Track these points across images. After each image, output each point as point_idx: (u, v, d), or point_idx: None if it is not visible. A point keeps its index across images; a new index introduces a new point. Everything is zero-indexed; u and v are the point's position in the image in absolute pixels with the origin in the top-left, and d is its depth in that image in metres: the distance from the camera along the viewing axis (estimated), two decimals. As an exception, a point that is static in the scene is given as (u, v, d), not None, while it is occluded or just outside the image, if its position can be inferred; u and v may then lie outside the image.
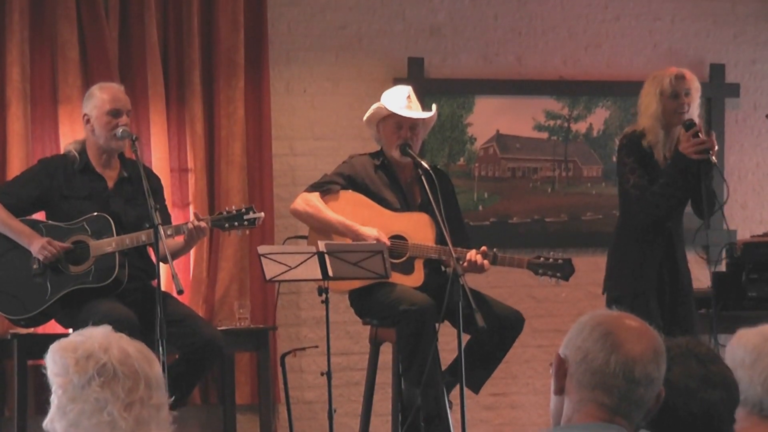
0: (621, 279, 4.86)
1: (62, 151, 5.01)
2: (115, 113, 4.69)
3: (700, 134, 4.67)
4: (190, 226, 4.63)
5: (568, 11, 6.34)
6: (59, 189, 4.75)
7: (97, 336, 2.05)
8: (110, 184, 4.78)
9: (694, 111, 4.77)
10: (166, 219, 4.79)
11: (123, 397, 1.98)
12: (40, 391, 5.21)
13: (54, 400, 2.02)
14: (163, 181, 5.06)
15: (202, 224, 4.65)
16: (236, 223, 4.72)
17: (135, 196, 4.66)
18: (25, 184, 4.79)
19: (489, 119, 6.23)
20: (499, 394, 6.16)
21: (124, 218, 4.71)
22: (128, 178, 4.75)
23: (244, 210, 4.73)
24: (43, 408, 2.06)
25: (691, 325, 4.82)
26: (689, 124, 4.70)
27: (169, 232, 4.62)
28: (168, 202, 5.16)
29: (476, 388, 4.86)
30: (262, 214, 4.78)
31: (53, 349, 2.04)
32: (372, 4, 6.06)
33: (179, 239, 4.73)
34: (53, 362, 2.03)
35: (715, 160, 4.74)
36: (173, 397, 2.12)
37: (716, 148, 4.73)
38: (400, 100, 4.82)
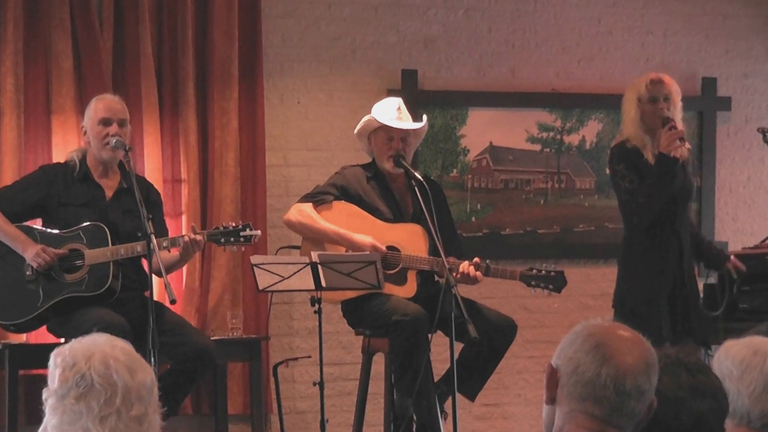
0: (635, 287, 4.87)
1: (59, 160, 5.04)
2: (105, 122, 4.70)
3: (674, 128, 4.76)
4: (186, 239, 4.64)
5: (562, 24, 6.37)
6: (57, 196, 4.76)
7: (87, 344, 2.04)
8: (109, 194, 4.79)
9: (677, 115, 4.83)
10: (163, 232, 4.80)
11: (97, 410, 1.97)
12: (31, 401, 5.20)
13: (45, 408, 2.03)
14: (155, 192, 5.08)
15: (198, 238, 4.66)
16: (232, 239, 4.73)
17: (133, 208, 4.65)
18: (24, 190, 4.80)
19: (482, 131, 6.24)
20: (492, 405, 6.17)
21: (120, 228, 4.72)
22: (127, 189, 4.75)
23: (241, 227, 4.75)
24: (34, 418, 2.07)
25: (704, 331, 4.87)
26: (665, 120, 4.77)
27: (165, 244, 4.64)
28: (161, 213, 5.16)
29: (472, 396, 4.87)
30: (259, 232, 4.78)
31: (53, 354, 2.04)
32: (366, 16, 6.09)
33: (175, 252, 4.74)
34: (51, 368, 2.04)
35: (689, 146, 4.83)
36: (164, 407, 2.10)
37: (684, 133, 4.80)
38: (390, 111, 4.84)
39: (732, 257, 5.21)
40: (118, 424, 1.97)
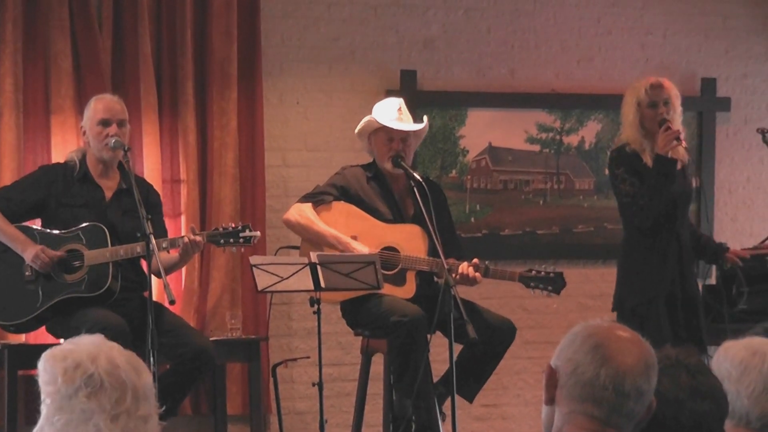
0: (634, 289, 4.87)
1: (59, 160, 5.04)
2: (104, 123, 4.71)
3: (670, 128, 4.76)
4: (185, 240, 4.65)
5: (561, 25, 6.37)
6: (57, 196, 4.76)
7: (87, 345, 2.04)
8: (108, 194, 4.79)
9: (677, 119, 4.83)
10: (162, 233, 4.81)
11: (109, 408, 1.97)
12: (31, 401, 5.20)
13: (43, 409, 2.02)
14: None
15: (198, 239, 4.66)
16: (231, 240, 4.74)
17: (132, 208, 4.65)
18: (24, 190, 4.80)
19: (481, 132, 6.24)
20: (491, 406, 6.17)
21: (120, 229, 4.72)
22: (127, 189, 4.75)
23: (240, 228, 4.75)
24: (33, 418, 2.06)
25: (701, 332, 4.87)
26: (661, 121, 4.77)
27: (164, 245, 4.65)
28: (160, 213, 5.16)
29: (470, 397, 4.87)
30: (258, 233, 4.79)
31: (44, 357, 2.04)
32: (365, 16, 6.08)
33: (174, 253, 4.74)
34: (44, 371, 2.03)
35: (685, 144, 4.84)
36: (163, 408, 2.11)
37: (682, 134, 4.80)
38: (390, 112, 4.84)
39: (731, 248, 5.24)
40: (128, 423, 1.98)
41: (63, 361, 2.00)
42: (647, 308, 4.79)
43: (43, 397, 2.02)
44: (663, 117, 4.79)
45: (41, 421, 2.02)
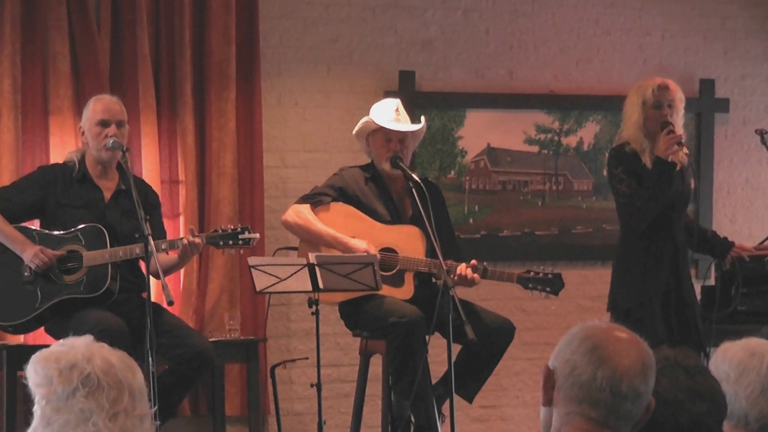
0: (629, 290, 4.88)
1: (57, 161, 5.04)
2: (103, 123, 4.71)
3: (673, 132, 4.75)
4: (185, 241, 4.65)
5: (560, 26, 6.37)
6: (56, 197, 4.76)
7: (80, 346, 2.04)
8: (107, 195, 4.79)
9: (679, 122, 4.83)
10: (161, 234, 4.80)
11: (107, 407, 1.98)
12: (30, 402, 5.19)
13: (37, 410, 2.02)
14: (153, 193, 5.08)
15: (197, 240, 4.66)
16: (231, 242, 4.74)
17: (131, 209, 4.64)
18: (22, 190, 4.80)
19: (480, 133, 6.24)
20: (489, 407, 6.17)
21: (119, 230, 4.72)
22: (126, 190, 4.75)
23: (239, 230, 4.75)
24: (31, 419, 2.06)
25: (698, 334, 4.87)
26: (664, 123, 4.77)
27: (163, 246, 4.65)
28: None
29: (470, 398, 4.87)
30: (257, 235, 4.79)
31: (35, 359, 2.04)
32: (364, 17, 6.09)
33: (173, 254, 4.74)
34: (35, 373, 2.03)
35: (687, 151, 4.83)
36: (156, 407, 2.11)
37: (684, 138, 4.80)
38: (388, 113, 4.84)
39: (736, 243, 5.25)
40: (126, 422, 1.98)
41: (57, 362, 2.00)
42: (641, 310, 4.79)
43: (37, 398, 2.02)
44: (666, 119, 4.79)
45: (35, 423, 2.02)
